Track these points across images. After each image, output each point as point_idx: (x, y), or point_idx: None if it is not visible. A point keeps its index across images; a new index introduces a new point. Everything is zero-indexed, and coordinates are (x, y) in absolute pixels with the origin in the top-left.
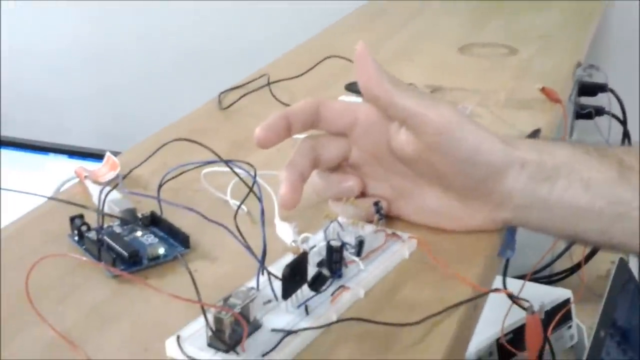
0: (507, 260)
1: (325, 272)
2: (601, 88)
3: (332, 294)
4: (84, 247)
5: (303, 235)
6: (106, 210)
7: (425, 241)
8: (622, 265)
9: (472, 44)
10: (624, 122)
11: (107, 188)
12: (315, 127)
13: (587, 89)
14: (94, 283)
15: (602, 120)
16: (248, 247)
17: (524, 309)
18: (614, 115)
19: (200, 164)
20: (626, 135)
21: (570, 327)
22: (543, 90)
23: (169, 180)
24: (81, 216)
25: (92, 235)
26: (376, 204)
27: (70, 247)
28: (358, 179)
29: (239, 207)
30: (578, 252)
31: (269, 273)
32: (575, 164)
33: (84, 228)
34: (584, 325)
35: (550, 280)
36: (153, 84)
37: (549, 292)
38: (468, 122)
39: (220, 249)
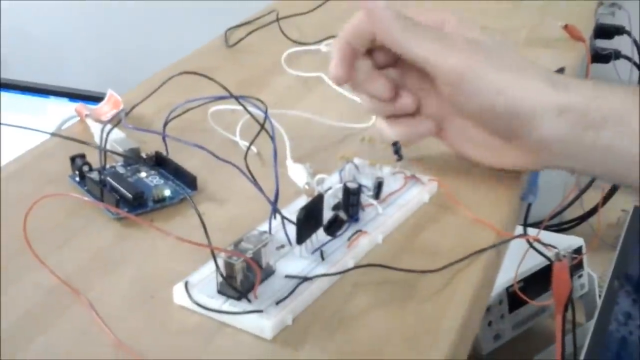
0: (529, 206)
1: (342, 215)
2: (618, 30)
3: (348, 239)
4: (85, 187)
5: (318, 176)
6: (109, 149)
7: (447, 185)
8: (638, 214)
9: None
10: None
11: (109, 126)
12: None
13: (604, 31)
14: (96, 226)
15: (618, 64)
16: (260, 188)
17: (546, 257)
18: (631, 60)
19: (208, 99)
20: None
21: (581, 276)
22: (566, 28)
23: (175, 117)
24: (82, 156)
25: (94, 175)
26: (395, 144)
27: (71, 188)
28: (411, 95)
29: (249, 145)
30: (588, 200)
31: (282, 216)
32: (627, 112)
33: (85, 168)
34: (595, 274)
35: (561, 228)
36: (156, 24)
37: (561, 240)
38: (488, 66)
39: (229, 191)
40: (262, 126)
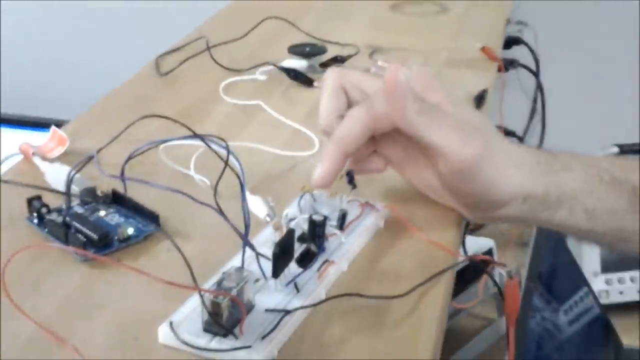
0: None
1: (313, 248)
2: (516, 41)
3: (318, 269)
4: (45, 230)
5: (285, 211)
6: (61, 189)
7: (398, 209)
8: None
9: (402, 1)
10: (536, 74)
11: (63, 168)
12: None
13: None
14: (64, 269)
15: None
16: (232, 225)
17: (494, 281)
18: (526, 67)
19: (170, 140)
20: (539, 86)
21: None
22: (483, 50)
23: (135, 156)
24: (39, 197)
25: (55, 217)
26: (348, 173)
27: (30, 231)
28: (382, 160)
29: (217, 183)
30: None
31: (256, 252)
32: (582, 194)
33: (43, 210)
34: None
35: (471, 229)
36: (78, 43)
37: (472, 242)
38: (496, 157)
39: (190, 226)
40: (227, 163)
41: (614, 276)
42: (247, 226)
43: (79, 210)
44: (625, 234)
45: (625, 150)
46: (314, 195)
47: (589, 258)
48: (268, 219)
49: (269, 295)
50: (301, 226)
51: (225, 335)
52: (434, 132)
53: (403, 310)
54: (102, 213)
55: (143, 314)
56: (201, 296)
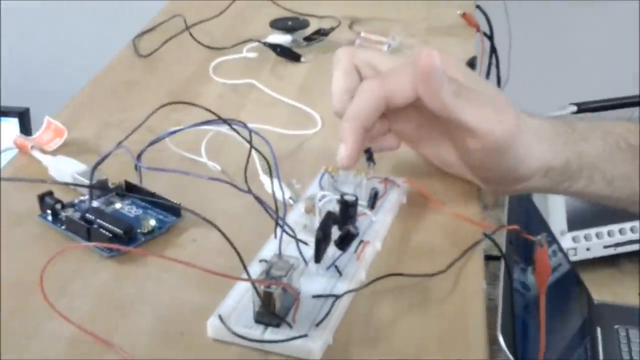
0: None
1: (353, 230)
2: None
3: (355, 251)
4: (62, 227)
5: (308, 192)
6: (70, 181)
7: (419, 184)
8: None
9: None
10: (491, 38)
11: (72, 161)
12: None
13: None
14: (90, 267)
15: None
16: (268, 209)
17: (532, 242)
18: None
19: (193, 126)
20: (493, 50)
21: None
22: (464, 16)
23: (149, 145)
24: (51, 193)
25: (71, 213)
26: (367, 150)
27: (44, 228)
28: (396, 137)
29: (246, 167)
30: None
31: (297, 239)
32: (601, 161)
33: (57, 206)
34: None
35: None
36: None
37: None
38: (524, 132)
39: (210, 213)
40: (252, 145)
41: (581, 233)
42: (284, 210)
43: (95, 203)
44: None
45: (583, 109)
46: (332, 174)
47: (555, 217)
48: (291, 201)
49: (313, 281)
50: (326, 207)
51: (278, 325)
52: (469, 112)
53: (445, 286)
54: (117, 205)
55: (182, 307)
56: (254, 287)
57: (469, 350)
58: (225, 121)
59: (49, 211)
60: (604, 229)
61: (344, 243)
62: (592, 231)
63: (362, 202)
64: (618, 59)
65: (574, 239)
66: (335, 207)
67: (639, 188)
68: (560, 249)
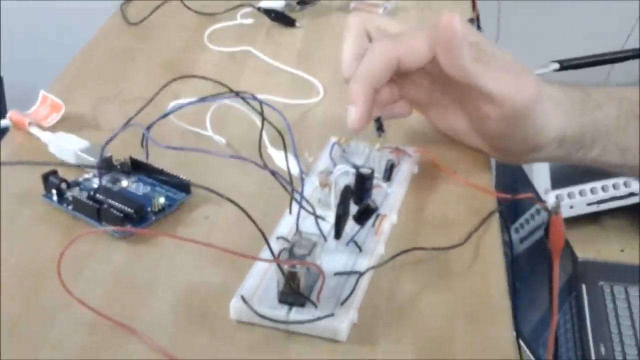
0: None
1: (373, 204)
2: None
3: (373, 225)
4: (69, 207)
5: (319, 165)
6: (73, 160)
7: (430, 153)
8: None
9: None
10: None
11: (73, 138)
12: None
13: None
14: (103, 249)
15: None
16: (290, 190)
17: (547, 210)
18: None
19: (202, 100)
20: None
21: None
22: None
23: (158, 120)
24: (55, 172)
25: (77, 193)
26: (377, 119)
27: (50, 209)
28: (407, 103)
29: (260, 141)
30: None
31: (316, 215)
32: (616, 131)
33: (63, 186)
34: None
35: None
36: None
37: None
38: (544, 101)
39: (220, 189)
40: (264, 118)
41: (564, 191)
42: (302, 186)
43: (102, 182)
44: None
45: (565, 66)
46: (342, 145)
47: (539, 175)
48: (303, 176)
49: (333, 257)
50: (340, 180)
51: (302, 305)
52: (490, 78)
53: (465, 257)
54: (124, 183)
55: (201, 288)
56: (281, 268)
57: (494, 323)
58: (237, 94)
59: (54, 191)
60: (586, 187)
61: (362, 218)
62: (575, 189)
63: (377, 174)
64: (601, 19)
65: (558, 197)
66: (350, 180)
67: None
68: (544, 207)
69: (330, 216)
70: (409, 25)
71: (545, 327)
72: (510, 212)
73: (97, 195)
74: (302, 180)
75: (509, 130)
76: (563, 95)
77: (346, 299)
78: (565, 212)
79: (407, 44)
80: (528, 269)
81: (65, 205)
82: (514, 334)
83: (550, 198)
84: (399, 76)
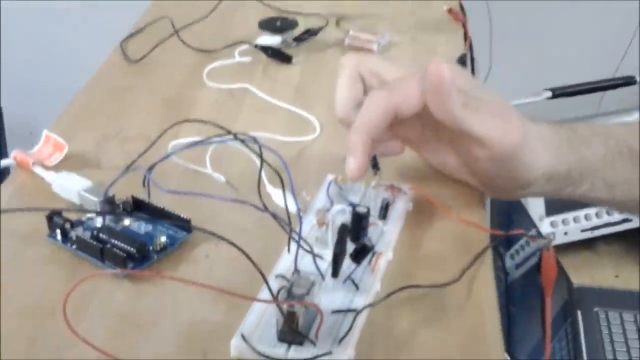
0: None
1: (369, 243)
2: None
3: (369, 263)
4: (73, 247)
5: (315, 203)
6: (75, 200)
7: (424, 190)
8: None
9: None
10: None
11: (76, 178)
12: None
13: None
14: (106, 287)
15: None
16: (285, 225)
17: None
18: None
19: (203, 142)
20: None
21: None
22: (449, 11)
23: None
24: (59, 212)
25: (81, 233)
26: (372, 158)
27: (55, 248)
28: (400, 141)
29: (259, 182)
30: None
31: (314, 254)
32: (603, 167)
33: (67, 226)
34: None
35: None
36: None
37: None
38: (530, 140)
39: (220, 228)
40: (262, 159)
41: (559, 218)
42: (300, 226)
43: (105, 222)
44: None
45: (558, 94)
46: (339, 183)
47: (534, 202)
48: (301, 214)
49: (330, 295)
50: (337, 217)
51: (301, 343)
52: (478, 123)
53: (459, 294)
54: (126, 222)
55: (202, 326)
56: (281, 309)
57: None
58: (236, 136)
59: (58, 231)
60: (580, 213)
61: (359, 257)
62: (570, 215)
63: (373, 212)
64: (593, 48)
65: (552, 224)
66: (347, 219)
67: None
68: (539, 234)
69: (328, 254)
70: (402, 66)
71: (540, 353)
72: (505, 239)
73: (100, 234)
74: (300, 218)
75: (498, 170)
76: (551, 133)
77: (344, 337)
78: (560, 239)
79: (402, 93)
80: (523, 294)
81: (69, 244)
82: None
83: (544, 225)
84: (394, 119)
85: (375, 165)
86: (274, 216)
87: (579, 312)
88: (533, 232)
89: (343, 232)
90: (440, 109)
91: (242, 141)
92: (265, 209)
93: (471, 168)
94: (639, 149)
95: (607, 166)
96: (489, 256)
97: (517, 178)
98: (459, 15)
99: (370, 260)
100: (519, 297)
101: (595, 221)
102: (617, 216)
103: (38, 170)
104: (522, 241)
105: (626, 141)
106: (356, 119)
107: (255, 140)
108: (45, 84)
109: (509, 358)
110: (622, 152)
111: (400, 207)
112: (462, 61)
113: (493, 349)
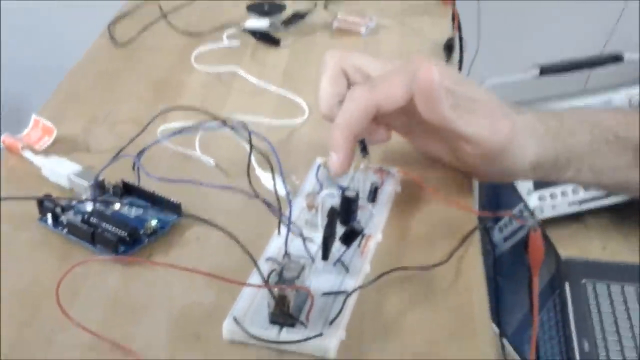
0: None
1: (358, 226)
2: None
3: (358, 245)
4: (64, 231)
5: (305, 187)
6: (65, 184)
7: (412, 173)
8: None
9: None
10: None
11: (66, 162)
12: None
13: None
14: (97, 271)
15: None
16: (277, 213)
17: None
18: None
19: (197, 128)
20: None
21: None
22: None
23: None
24: (49, 196)
25: (72, 216)
26: (361, 141)
27: (46, 232)
28: (386, 129)
29: (248, 168)
30: None
31: (304, 237)
32: (589, 155)
33: (57, 210)
34: None
35: None
36: None
37: None
38: (519, 135)
39: (209, 210)
40: (251, 145)
41: (546, 192)
42: (290, 211)
43: (95, 205)
44: (628, 186)
45: (545, 70)
46: (328, 167)
47: None
48: (290, 197)
49: (320, 278)
50: (326, 201)
51: (292, 325)
52: (467, 123)
53: (447, 276)
54: (116, 206)
55: (194, 309)
56: (272, 293)
57: (476, 340)
58: (225, 123)
59: (49, 215)
60: (568, 187)
61: (349, 240)
62: (557, 189)
63: (362, 195)
64: (580, 25)
65: (540, 198)
66: (336, 202)
67: (630, 177)
68: (527, 208)
69: (317, 237)
70: (386, 61)
71: (528, 325)
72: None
73: (91, 219)
74: (290, 202)
75: (486, 164)
76: (536, 122)
77: (334, 319)
78: (548, 212)
79: (384, 90)
80: (511, 266)
81: (60, 228)
82: (497, 332)
83: (532, 199)
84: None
85: (364, 148)
86: (266, 203)
87: (566, 284)
88: (521, 206)
89: (333, 216)
90: (430, 111)
91: (232, 128)
92: (256, 195)
93: (458, 159)
94: (624, 136)
95: (593, 154)
96: (477, 237)
97: (504, 169)
98: None
99: (359, 243)
100: (507, 268)
101: (582, 195)
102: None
103: (27, 154)
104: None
105: (612, 129)
106: (338, 115)
107: (245, 126)
108: (34, 63)
109: (497, 330)
110: (608, 140)
111: (388, 190)
112: (449, 47)
113: (481, 328)
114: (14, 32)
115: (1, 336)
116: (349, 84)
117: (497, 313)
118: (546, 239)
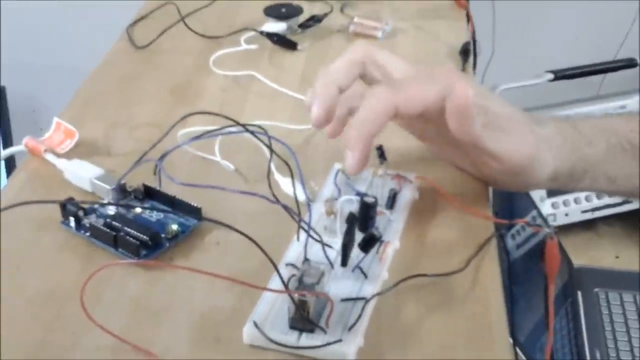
0: None
1: (377, 233)
2: None
3: (377, 252)
4: (87, 234)
5: (324, 193)
6: (87, 187)
7: (430, 179)
8: None
9: None
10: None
11: (88, 165)
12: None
13: None
14: (120, 275)
15: None
16: (295, 215)
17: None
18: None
19: (217, 133)
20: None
21: None
22: None
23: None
24: (72, 199)
25: (94, 220)
26: (379, 147)
27: (68, 235)
28: None
29: (268, 174)
30: None
31: (323, 243)
32: (605, 163)
33: (80, 213)
34: None
35: None
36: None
37: None
38: (543, 150)
39: (229, 216)
40: (271, 150)
41: (560, 199)
42: (310, 216)
43: (116, 209)
44: None
45: (559, 76)
46: (346, 172)
47: None
48: (310, 203)
49: (339, 284)
50: (344, 207)
51: (312, 331)
52: (497, 141)
53: (465, 283)
54: (137, 210)
55: (214, 313)
56: (291, 297)
57: (493, 347)
58: (246, 129)
59: (71, 218)
60: (581, 194)
61: (367, 246)
62: (571, 197)
63: (380, 201)
64: (594, 30)
65: (553, 205)
66: (354, 208)
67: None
68: (540, 215)
69: (336, 243)
70: (412, 65)
71: (541, 333)
72: (506, 219)
73: (114, 222)
74: (309, 207)
75: (506, 177)
76: (555, 134)
77: (353, 325)
78: (561, 220)
79: (407, 95)
80: (524, 274)
81: (82, 232)
82: (510, 340)
83: (545, 206)
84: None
85: (382, 155)
86: (285, 208)
87: (579, 293)
88: (534, 213)
89: (351, 222)
90: (461, 130)
91: (252, 133)
92: (276, 200)
93: (480, 171)
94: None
95: (609, 162)
96: (494, 244)
97: (523, 181)
98: (462, 2)
99: (378, 250)
100: (519, 276)
101: (595, 202)
102: (617, 197)
103: (50, 157)
104: None
105: (628, 137)
106: (358, 113)
107: (264, 131)
108: (49, 63)
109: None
110: (624, 148)
111: (406, 196)
112: (465, 51)
113: (498, 336)
114: (29, 33)
115: (26, 338)
116: (364, 78)
117: (511, 321)
118: (559, 246)
